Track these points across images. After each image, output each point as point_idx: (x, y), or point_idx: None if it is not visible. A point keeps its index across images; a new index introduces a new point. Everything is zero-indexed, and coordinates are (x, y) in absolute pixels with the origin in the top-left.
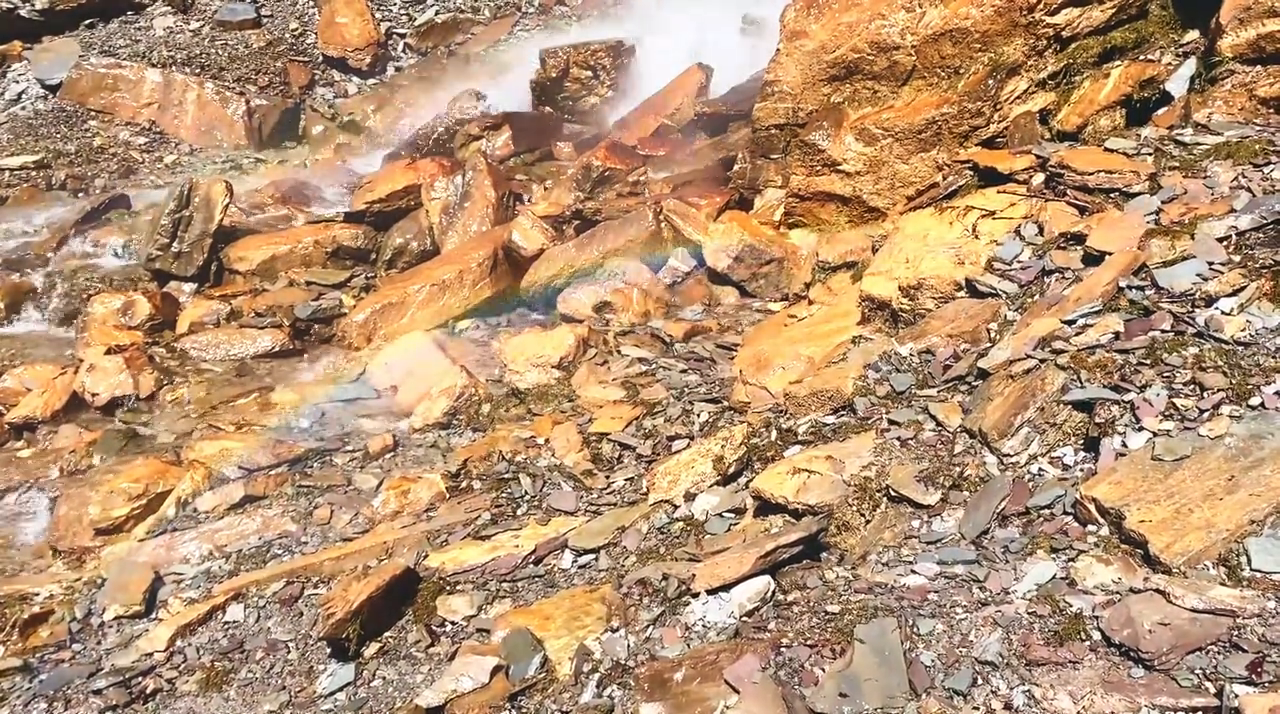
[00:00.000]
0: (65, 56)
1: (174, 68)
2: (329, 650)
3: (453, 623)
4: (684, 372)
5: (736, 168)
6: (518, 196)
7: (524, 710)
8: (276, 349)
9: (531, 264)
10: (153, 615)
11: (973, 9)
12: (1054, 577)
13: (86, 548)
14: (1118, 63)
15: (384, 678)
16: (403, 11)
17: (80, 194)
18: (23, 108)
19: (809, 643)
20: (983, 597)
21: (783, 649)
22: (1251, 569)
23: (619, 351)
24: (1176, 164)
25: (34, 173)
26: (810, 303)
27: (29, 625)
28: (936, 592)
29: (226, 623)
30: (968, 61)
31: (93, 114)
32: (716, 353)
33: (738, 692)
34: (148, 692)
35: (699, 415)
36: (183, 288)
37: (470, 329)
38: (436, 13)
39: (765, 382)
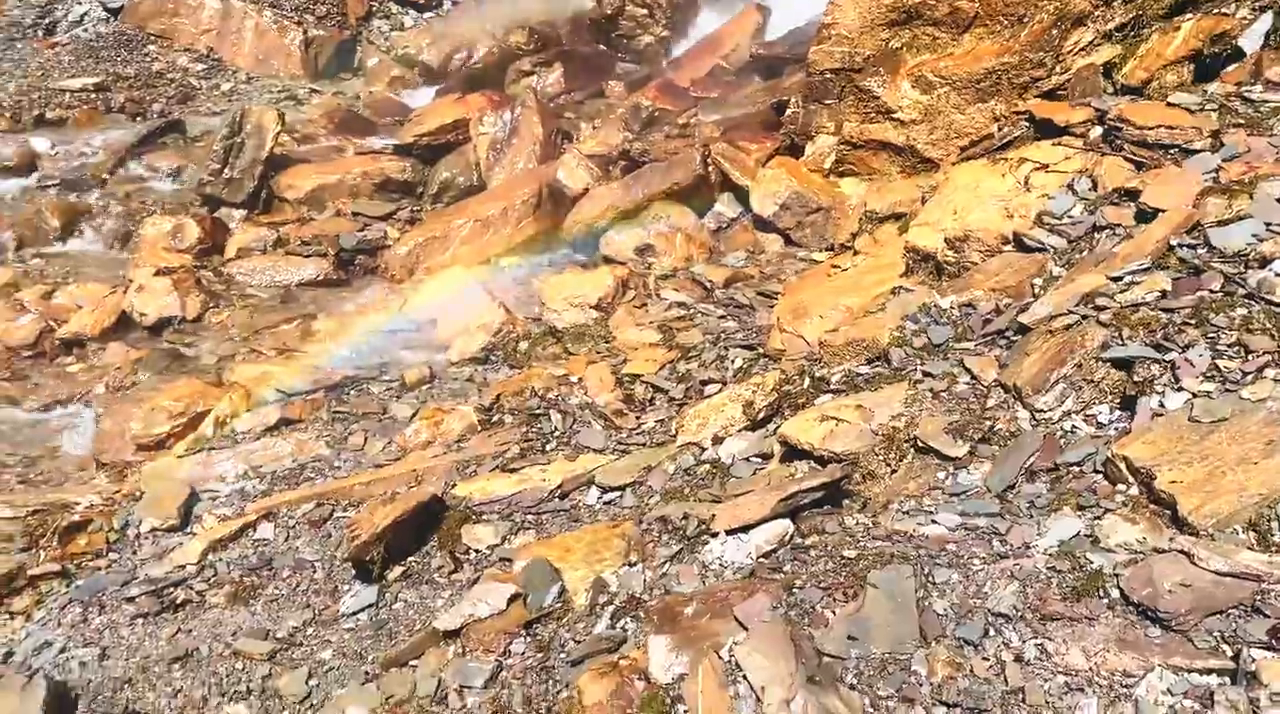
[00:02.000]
0: None
1: None
2: (353, 572)
3: (476, 551)
4: (722, 317)
5: (789, 113)
6: (566, 134)
7: (539, 638)
8: (320, 278)
9: (576, 203)
10: (187, 530)
11: None
12: (1078, 533)
13: (128, 462)
14: (1189, 16)
15: (405, 600)
16: None
17: (138, 118)
18: (84, 30)
19: (822, 585)
20: (1003, 549)
21: (795, 590)
22: None
23: (658, 295)
24: (1241, 122)
25: (93, 95)
26: (855, 253)
27: (68, 533)
28: (956, 542)
29: (257, 540)
30: (1032, 10)
31: (152, 38)
32: (756, 300)
33: (746, 629)
34: (178, 602)
35: (734, 361)
36: (232, 214)
37: (513, 266)
38: None
39: (802, 330)
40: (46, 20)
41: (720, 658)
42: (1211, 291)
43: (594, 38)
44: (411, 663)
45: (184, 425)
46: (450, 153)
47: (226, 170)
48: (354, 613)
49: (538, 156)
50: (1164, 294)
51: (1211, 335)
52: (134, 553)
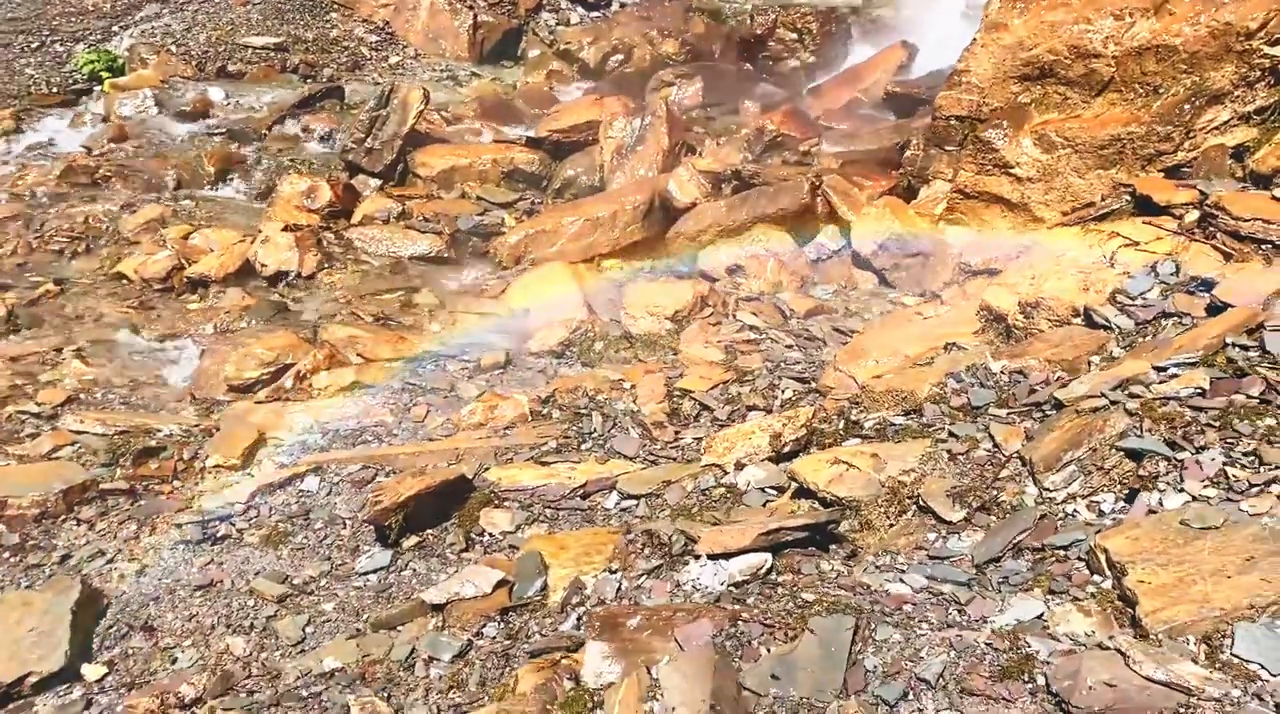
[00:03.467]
0: None
1: None
2: (375, 535)
3: (490, 534)
4: (789, 347)
5: (908, 153)
6: (690, 147)
7: (510, 624)
8: (432, 254)
9: (682, 216)
10: (246, 470)
11: (1186, 27)
12: (1037, 616)
13: (217, 400)
14: None
15: (414, 569)
16: None
17: (309, 80)
18: None
19: (766, 622)
20: (956, 619)
21: (740, 622)
22: (1231, 653)
23: (734, 316)
24: None
25: (273, 54)
26: (942, 303)
27: (142, 456)
28: (914, 604)
29: (301, 491)
30: (1169, 81)
31: (336, 6)
32: (830, 335)
33: (683, 650)
34: (218, 535)
35: (784, 391)
36: (368, 182)
37: (613, 268)
38: None
39: (854, 371)
40: None
41: (649, 674)
42: (1248, 396)
43: (741, 56)
44: (398, 628)
45: (271, 374)
46: (578, 151)
47: (369, 140)
48: (365, 572)
49: (659, 166)
50: (1201, 392)
51: (1230, 441)
52: (195, 484)
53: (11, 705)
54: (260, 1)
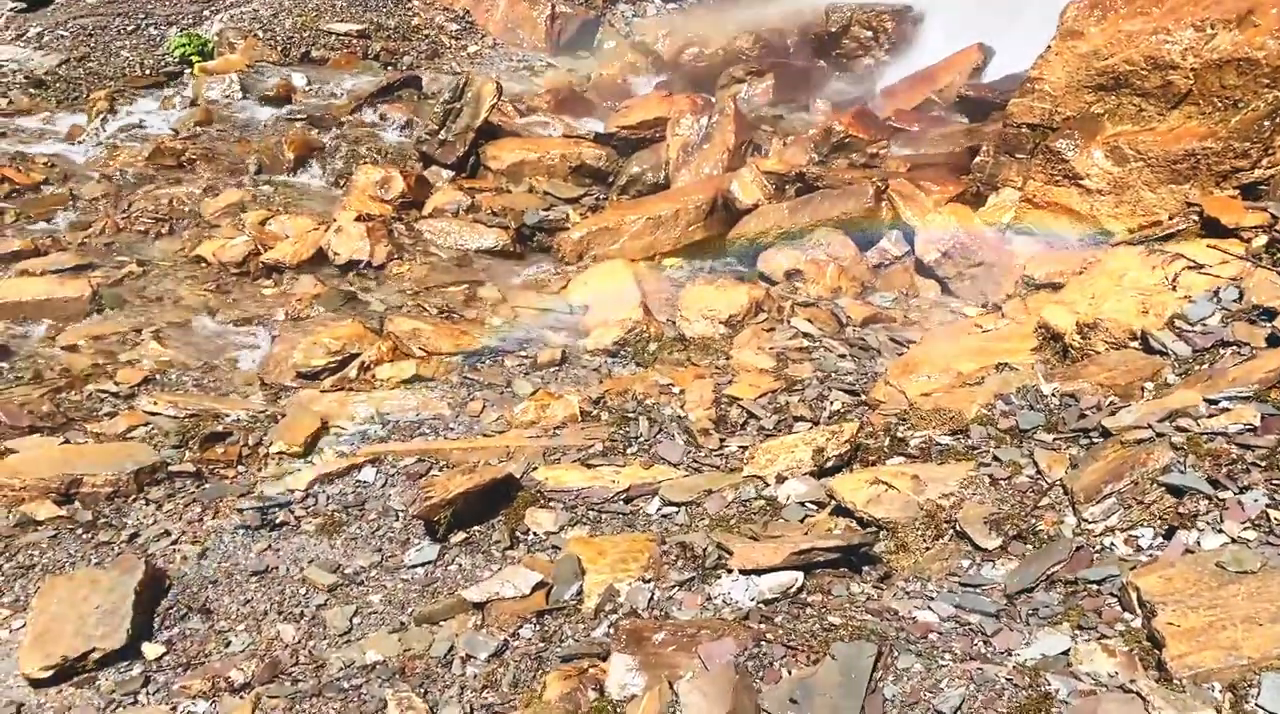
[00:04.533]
0: None
1: None
2: (424, 529)
3: (534, 534)
4: (841, 356)
5: (978, 159)
6: (757, 147)
7: (546, 628)
8: (498, 248)
9: (744, 216)
10: (308, 458)
11: (1270, 40)
12: (1062, 652)
13: (284, 386)
14: None
15: (459, 565)
16: None
17: (389, 67)
18: None
19: (789, 644)
20: (982, 651)
21: (763, 642)
22: (1256, 703)
23: (789, 322)
24: None
25: (355, 40)
26: (1003, 316)
27: (210, 440)
28: (940, 633)
29: (358, 481)
30: (1250, 96)
31: None
32: (886, 345)
33: (707, 667)
34: (276, 521)
35: (832, 403)
36: (440, 173)
37: (674, 267)
38: None
39: (905, 386)
40: None
41: (671, 690)
42: None
43: (815, 53)
44: (440, 623)
45: (337, 363)
46: (645, 148)
47: (442, 132)
48: (414, 566)
49: (725, 164)
50: (1252, 429)
51: (1276, 482)
52: (259, 469)
53: (76, 679)
54: None
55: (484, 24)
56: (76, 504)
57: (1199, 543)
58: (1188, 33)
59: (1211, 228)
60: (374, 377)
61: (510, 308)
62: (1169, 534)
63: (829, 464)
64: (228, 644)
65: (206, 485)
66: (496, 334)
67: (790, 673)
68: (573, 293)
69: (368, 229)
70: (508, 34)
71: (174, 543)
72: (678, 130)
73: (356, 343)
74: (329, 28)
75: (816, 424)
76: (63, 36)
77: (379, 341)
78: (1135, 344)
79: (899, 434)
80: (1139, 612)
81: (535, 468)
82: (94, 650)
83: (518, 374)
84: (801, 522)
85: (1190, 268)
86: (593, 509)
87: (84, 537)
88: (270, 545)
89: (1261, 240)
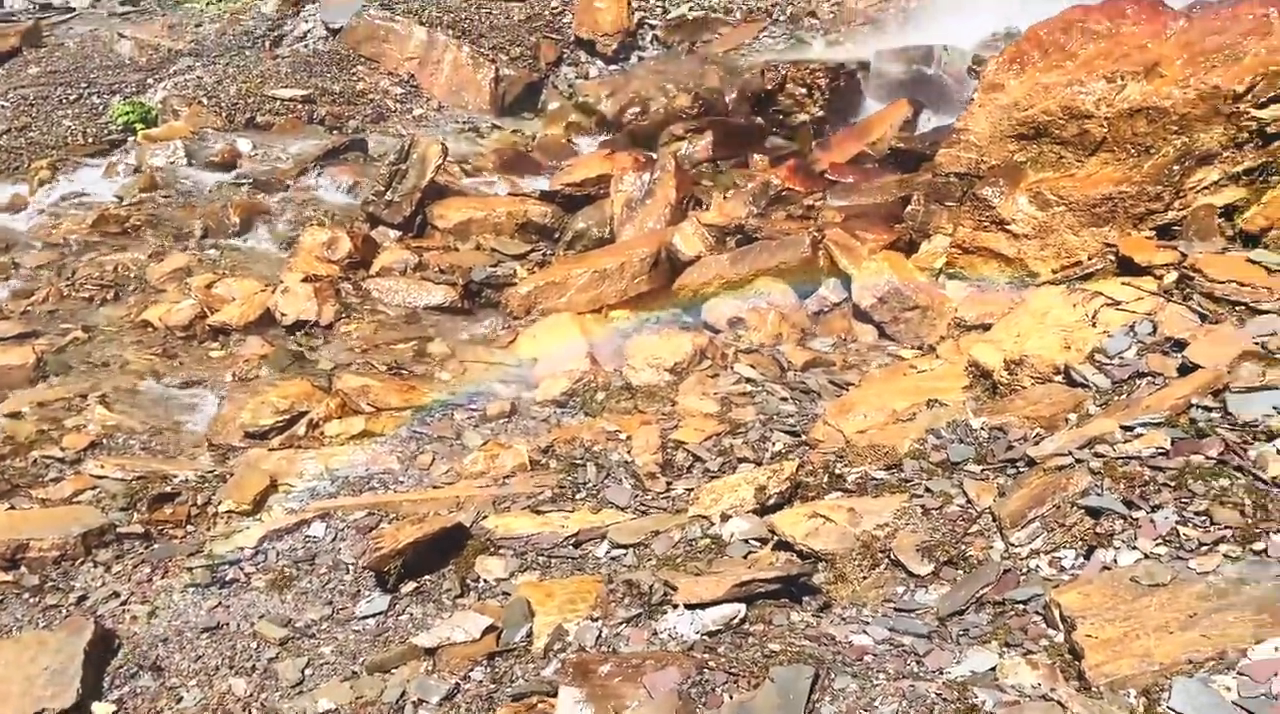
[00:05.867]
0: (351, 3)
1: (439, 28)
2: (375, 580)
3: (485, 581)
4: (783, 399)
5: (909, 208)
6: (698, 201)
7: (496, 669)
8: (446, 304)
9: (687, 268)
10: (257, 516)
11: (1175, 89)
12: (990, 668)
13: (233, 446)
14: None
15: (410, 614)
16: (658, 3)
17: (335, 131)
18: (305, 45)
19: (730, 670)
20: (914, 670)
21: (706, 670)
22: (1167, 706)
23: (732, 368)
24: None
25: (300, 105)
26: (937, 357)
27: (158, 501)
28: (875, 655)
29: (308, 536)
30: (1160, 142)
31: (362, 60)
32: (826, 388)
33: (653, 697)
34: (226, 579)
35: (774, 444)
36: (388, 233)
37: (620, 319)
38: (690, 8)
39: (842, 425)
40: (275, 33)
41: None
42: (1206, 457)
43: (753, 110)
44: (391, 671)
45: (285, 422)
46: (590, 204)
47: (389, 193)
48: (364, 617)
49: (667, 219)
50: (1163, 452)
51: (1184, 500)
52: (208, 529)
53: None
54: (289, 55)
55: (429, 88)
56: (23, 569)
57: (1115, 560)
58: (1100, 84)
59: (1127, 267)
60: (323, 434)
61: (459, 363)
62: (1088, 553)
63: (771, 501)
64: (179, 700)
65: (155, 546)
66: (446, 389)
67: (732, 698)
68: (521, 347)
69: (315, 289)
70: (452, 97)
71: (123, 603)
72: (621, 187)
73: (305, 401)
74: (274, 93)
75: (759, 464)
76: (3, 107)
77: (327, 399)
78: (1059, 378)
79: (837, 470)
80: (1061, 627)
81: (485, 516)
82: (44, 711)
83: (467, 426)
84: (745, 558)
85: (1108, 305)
86: (542, 554)
87: (30, 601)
88: (220, 602)
89: (1172, 277)
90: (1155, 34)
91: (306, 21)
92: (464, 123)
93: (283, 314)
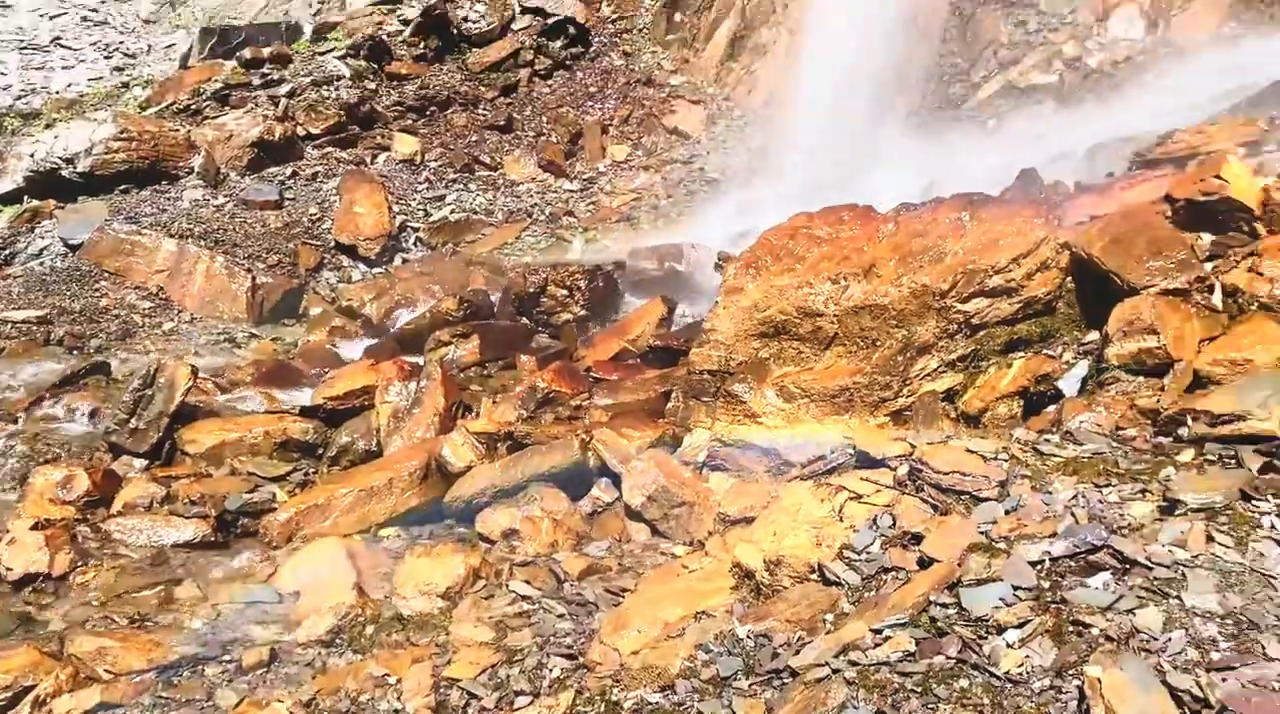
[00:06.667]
0: (92, 218)
1: (190, 239)
2: None
3: None
4: (560, 617)
5: (670, 404)
6: (467, 407)
7: None
8: (198, 540)
9: (459, 478)
10: None
11: (891, 288)
12: None
13: None
14: (1021, 354)
15: None
16: (420, 207)
17: (75, 352)
18: (41, 263)
19: None
20: None
21: None
22: None
23: (507, 585)
24: (1028, 474)
25: (35, 327)
26: (706, 554)
27: None
28: None
29: None
30: (884, 336)
31: (106, 275)
32: (603, 597)
33: None
34: None
35: (551, 671)
36: (133, 464)
37: (391, 537)
38: (452, 211)
39: (618, 643)
40: (6, 252)
41: None
42: (947, 657)
43: (517, 311)
44: None
45: (7, 702)
46: (355, 417)
47: (133, 421)
48: None
49: (437, 427)
50: (909, 655)
51: (930, 706)
52: None
53: None
54: (22, 274)
55: (180, 299)
56: None
57: None
58: (826, 285)
59: (864, 459)
60: (51, 711)
61: (211, 606)
62: None
63: None
64: None
65: None
66: (196, 639)
67: None
68: (282, 579)
69: (47, 537)
70: (206, 307)
71: None
72: (387, 397)
73: (31, 674)
74: (4, 317)
75: (537, 696)
76: None
77: (57, 669)
78: (815, 576)
79: (613, 697)
80: None
81: None
82: None
83: (221, 683)
84: None
85: (852, 499)
86: None
87: None
88: None
89: (904, 469)
90: (870, 237)
91: (43, 237)
92: (219, 333)
93: (8, 569)
